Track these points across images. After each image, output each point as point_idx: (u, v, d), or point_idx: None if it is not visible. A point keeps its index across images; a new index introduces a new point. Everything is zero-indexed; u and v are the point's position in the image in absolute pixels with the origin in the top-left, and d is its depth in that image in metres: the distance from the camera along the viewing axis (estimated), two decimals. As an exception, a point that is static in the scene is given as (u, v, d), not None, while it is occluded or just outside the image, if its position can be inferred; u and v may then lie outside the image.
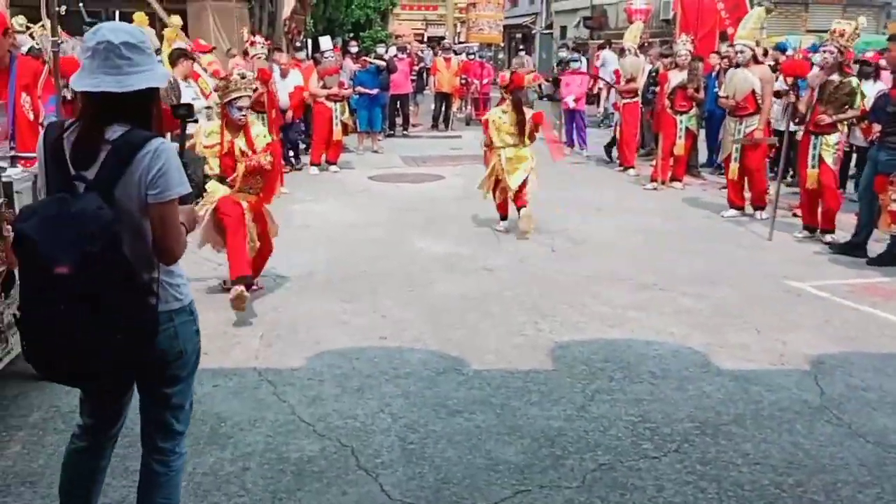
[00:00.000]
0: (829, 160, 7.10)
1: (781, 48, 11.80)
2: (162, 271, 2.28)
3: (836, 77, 6.99)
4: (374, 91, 12.89)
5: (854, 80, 7.06)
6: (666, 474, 3.24)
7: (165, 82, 2.30)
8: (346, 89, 11.22)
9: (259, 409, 3.77)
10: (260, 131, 5.47)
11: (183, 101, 7.22)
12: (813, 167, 7.17)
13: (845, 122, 7.21)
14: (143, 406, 2.45)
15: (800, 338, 4.82)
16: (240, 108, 5.18)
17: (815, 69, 7.43)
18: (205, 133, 5.31)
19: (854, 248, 6.72)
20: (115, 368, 2.20)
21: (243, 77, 5.38)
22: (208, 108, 7.99)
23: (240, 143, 5.23)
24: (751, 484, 3.17)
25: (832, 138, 7.11)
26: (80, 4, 9.99)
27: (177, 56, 7.58)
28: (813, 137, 7.17)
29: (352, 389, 4.02)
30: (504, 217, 7.67)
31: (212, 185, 5.26)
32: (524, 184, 7.36)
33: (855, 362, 4.45)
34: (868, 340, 4.81)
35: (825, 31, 17.16)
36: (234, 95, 5.17)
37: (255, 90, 8.80)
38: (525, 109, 7.41)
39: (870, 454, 3.41)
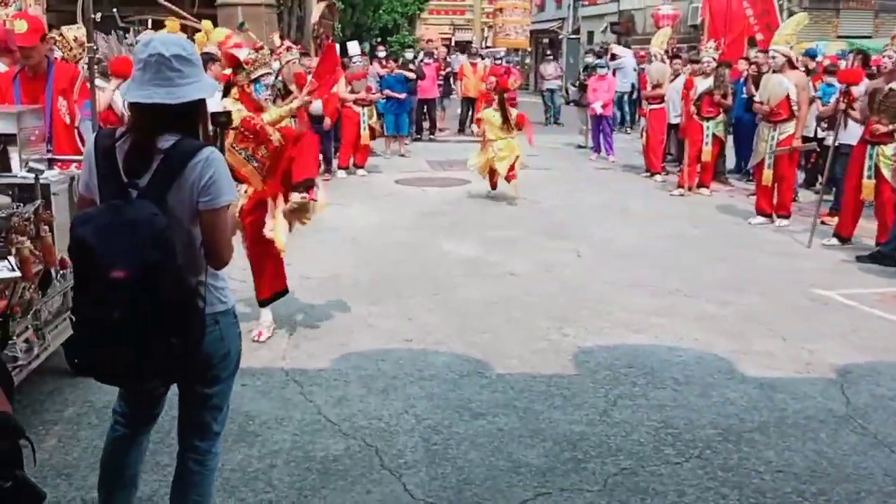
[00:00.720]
0: (886, 172, 6.86)
1: (811, 54, 11.69)
2: (208, 275, 2.35)
3: (892, 85, 6.80)
4: (402, 95, 12.98)
5: None
6: (687, 480, 3.25)
7: (214, 93, 2.38)
8: (373, 94, 11.32)
9: (286, 409, 3.84)
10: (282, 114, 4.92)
11: (214, 105, 7.35)
12: (869, 178, 6.99)
13: None
14: (182, 405, 2.52)
15: (826, 346, 4.79)
16: (266, 86, 4.80)
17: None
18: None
19: (884, 258, 6.64)
20: (166, 372, 2.27)
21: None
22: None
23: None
24: (773, 492, 3.17)
25: (889, 149, 6.85)
26: (115, 10, 10.20)
27: (205, 61, 7.69)
28: (869, 147, 6.98)
29: (377, 390, 4.08)
30: (493, 188, 9.65)
31: None
32: (512, 166, 9.14)
33: (882, 371, 4.42)
34: (896, 350, 4.77)
35: (855, 38, 16.93)
36: (262, 71, 4.79)
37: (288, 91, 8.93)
38: (510, 108, 9.24)
39: (895, 464, 3.39)
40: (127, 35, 10.02)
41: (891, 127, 6.78)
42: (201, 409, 2.50)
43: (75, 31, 6.02)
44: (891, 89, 6.84)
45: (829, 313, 5.44)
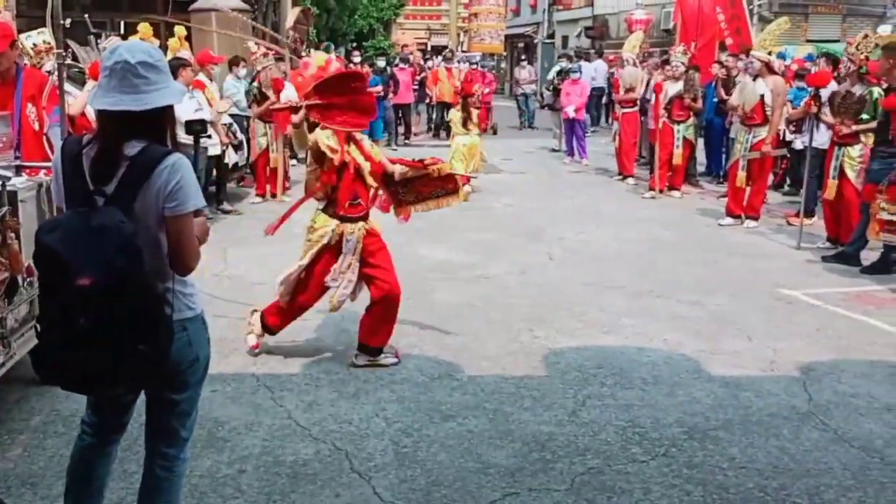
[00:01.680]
0: (850, 173, 7.01)
1: (781, 57, 11.87)
2: (176, 282, 2.36)
3: (857, 88, 6.93)
4: (378, 88, 13.04)
5: (876, 90, 6.88)
6: (653, 478, 3.30)
7: (182, 98, 2.39)
8: None
9: (256, 414, 3.85)
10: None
11: (184, 111, 7.32)
12: (833, 178, 7.13)
13: (867, 134, 6.95)
14: (149, 411, 2.52)
15: (791, 345, 4.88)
16: None
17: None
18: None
19: (847, 257, 6.77)
20: (134, 378, 2.28)
21: None
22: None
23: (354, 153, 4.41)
24: (736, 487, 3.23)
25: (854, 150, 7.00)
26: (86, 15, 10.12)
27: (176, 66, 7.65)
28: (836, 149, 7.13)
29: (348, 394, 4.10)
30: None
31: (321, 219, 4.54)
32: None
33: (845, 369, 4.51)
34: (859, 348, 4.87)
35: (824, 41, 17.22)
36: None
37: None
38: (472, 110, 10.21)
39: (854, 459, 3.47)
40: (99, 40, 9.94)
41: (854, 128, 6.91)
42: (169, 414, 2.50)
43: (34, 38, 5.98)
44: (848, 91, 6.99)
45: (795, 313, 5.54)
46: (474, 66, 18.16)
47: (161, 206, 2.24)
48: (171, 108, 2.35)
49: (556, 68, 15.86)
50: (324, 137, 4.26)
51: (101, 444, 2.58)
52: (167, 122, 2.36)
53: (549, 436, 3.66)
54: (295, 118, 4.26)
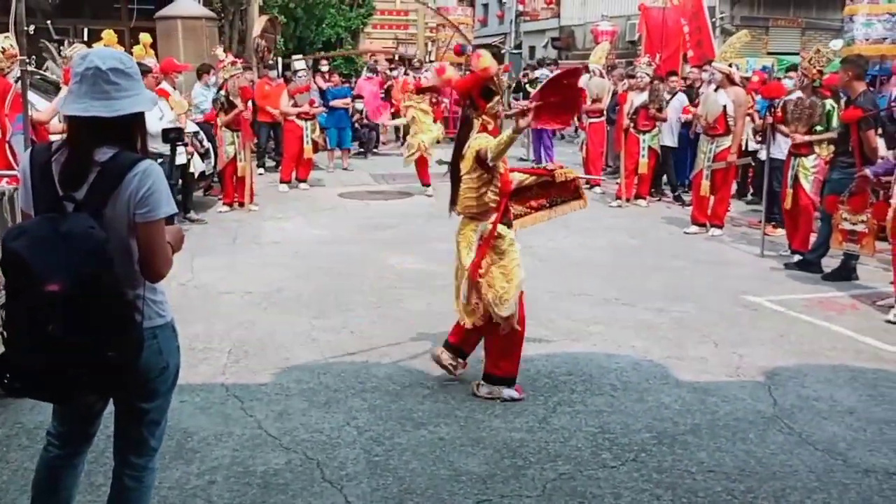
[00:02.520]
0: (804, 182, 7.15)
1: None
2: (146, 289, 2.34)
3: (813, 99, 7.07)
4: (347, 99, 13.07)
5: (828, 103, 7.04)
6: (623, 483, 3.34)
7: (153, 106, 2.38)
8: (315, 107, 11.32)
9: (226, 424, 3.81)
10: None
11: (148, 119, 7.24)
12: (790, 187, 7.28)
13: (821, 144, 7.12)
14: (118, 420, 2.49)
15: (756, 351, 4.97)
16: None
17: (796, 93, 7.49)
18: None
19: (809, 265, 6.92)
20: (103, 386, 2.25)
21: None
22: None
23: None
24: (704, 491, 3.28)
25: (808, 161, 7.15)
26: (48, 22, 9.99)
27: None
28: (793, 159, 7.28)
29: (319, 404, 4.08)
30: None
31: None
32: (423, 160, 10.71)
33: (808, 374, 4.60)
34: (821, 353, 4.97)
35: (785, 54, 17.57)
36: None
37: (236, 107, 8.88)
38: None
39: (818, 461, 3.55)
40: (62, 47, 9.79)
41: (807, 138, 7.08)
42: (139, 424, 2.47)
43: (1, 42, 5.88)
44: (799, 98, 7.15)
45: (759, 319, 5.64)
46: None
47: (132, 213, 2.22)
48: (142, 114, 2.34)
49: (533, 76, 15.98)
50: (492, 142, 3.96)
51: (67, 456, 2.54)
52: (138, 129, 2.35)
53: (520, 442, 3.68)
54: (522, 122, 3.91)
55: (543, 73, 15.21)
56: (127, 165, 2.22)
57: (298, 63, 11.78)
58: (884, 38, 8.06)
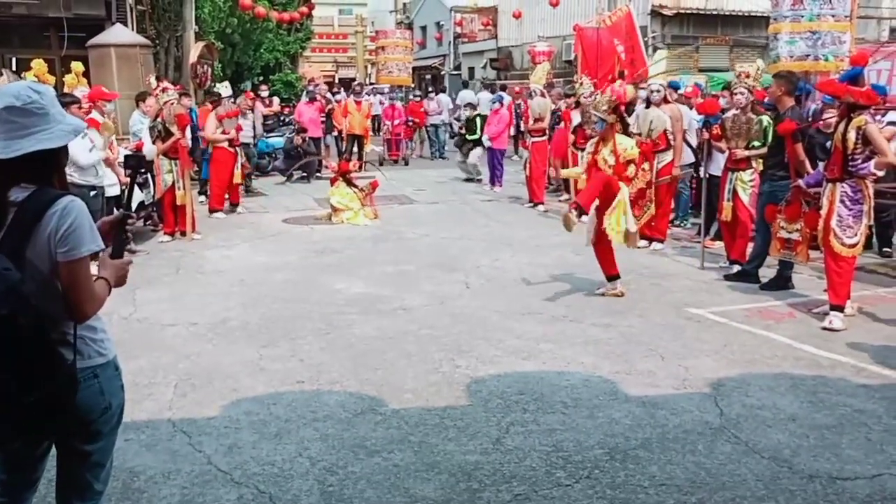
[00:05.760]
0: (742, 195, 7.35)
1: (674, 86, 12.46)
2: (83, 327, 2.28)
3: (750, 115, 7.30)
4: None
5: (765, 119, 7.24)
6: (578, 501, 3.36)
7: (64, 140, 2.28)
8: (241, 132, 11.30)
9: (174, 461, 3.71)
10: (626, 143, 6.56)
11: (79, 150, 7.04)
12: (728, 200, 7.47)
13: (757, 159, 7.32)
14: (60, 464, 2.41)
15: (701, 362, 5.08)
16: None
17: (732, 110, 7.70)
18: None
19: (747, 275, 7.12)
20: (34, 430, 2.17)
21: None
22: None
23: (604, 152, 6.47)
24: (657, 504, 3.33)
25: (746, 175, 7.35)
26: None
27: (65, 104, 7.35)
28: (730, 173, 7.48)
29: (269, 435, 4.01)
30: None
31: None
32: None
33: (751, 383, 4.72)
34: (763, 362, 5.11)
35: (714, 71, 18.16)
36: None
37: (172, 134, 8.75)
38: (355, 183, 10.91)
39: (765, 469, 3.63)
40: (-9, 76, 9.51)
41: (745, 153, 7.30)
42: (81, 467, 2.40)
43: None
44: (736, 115, 7.39)
45: (703, 331, 5.78)
46: (393, 102, 18.62)
47: (53, 252, 2.16)
48: (56, 150, 2.25)
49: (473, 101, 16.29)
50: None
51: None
52: (52, 165, 2.27)
53: (474, 465, 3.68)
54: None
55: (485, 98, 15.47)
56: (46, 203, 2.16)
57: (225, 89, 11.77)
58: (806, 55, 8.38)
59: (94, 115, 8.12)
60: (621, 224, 6.44)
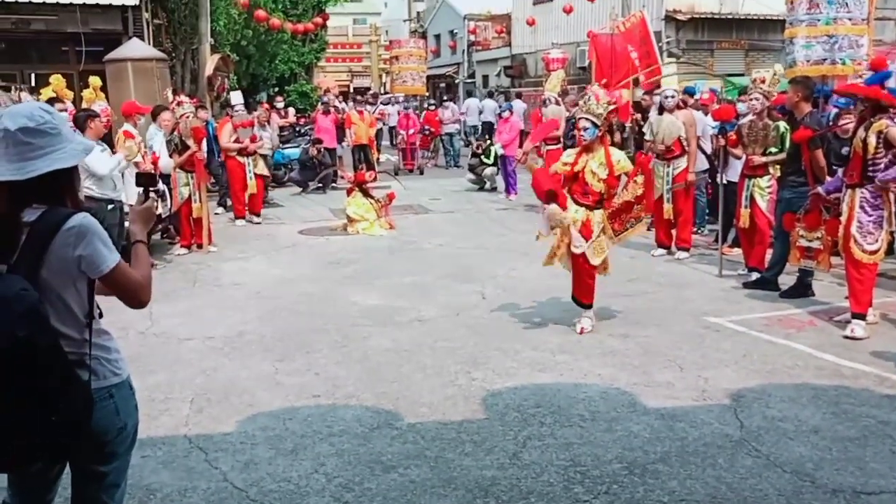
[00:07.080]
0: (760, 202, 7.28)
1: (689, 92, 12.39)
2: (96, 347, 2.29)
3: (767, 121, 7.22)
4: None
5: (781, 125, 7.16)
6: (597, 517, 3.32)
7: (77, 159, 2.29)
8: (257, 143, 11.35)
9: (190, 479, 3.71)
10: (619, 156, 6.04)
11: (100, 163, 7.10)
12: (746, 207, 7.41)
13: (774, 166, 7.26)
14: (75, 485, 2.41)
15: (720, 373, 5.02)
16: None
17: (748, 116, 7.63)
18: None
19: (766, 283, 7.04)
20: (52, 451, 2.17)
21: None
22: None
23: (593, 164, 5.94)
24: (678, 521, 3.28)
25: (763, 181, 7.29)
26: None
27: (83, 119, 7.43)
28: (747, 180, 7.42)
29: (285, 451, 4.00)
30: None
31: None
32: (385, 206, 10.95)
33: (772, 394, 4.65)
34: (783, 372, 5.04)
35: (730, 75, 18.07)
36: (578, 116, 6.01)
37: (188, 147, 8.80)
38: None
39: (787, 483, 3.57)
40: (9, 93, 9.63)
41: (763, 159, 7.23)
42: (97, 488, 2.39)
43: None
44: (752, 121, 7.31)
45: (722, 340, 5.71)
46: (407, 111, 18.65)
47: (74, 270, 2.20)
48: (67, 170, 2.27)
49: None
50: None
51: None
52: (63, 185, 2.28)
53: (491, 480, 3.65)
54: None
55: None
56: (58, 222, 2.18)
57: (235, 97, 11.87)
58: (823, 58, 8.29)
59: (127, 127, 8.29)
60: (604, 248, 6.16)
